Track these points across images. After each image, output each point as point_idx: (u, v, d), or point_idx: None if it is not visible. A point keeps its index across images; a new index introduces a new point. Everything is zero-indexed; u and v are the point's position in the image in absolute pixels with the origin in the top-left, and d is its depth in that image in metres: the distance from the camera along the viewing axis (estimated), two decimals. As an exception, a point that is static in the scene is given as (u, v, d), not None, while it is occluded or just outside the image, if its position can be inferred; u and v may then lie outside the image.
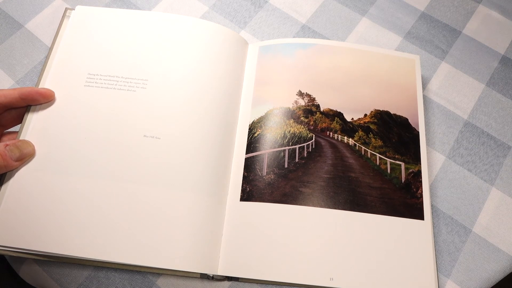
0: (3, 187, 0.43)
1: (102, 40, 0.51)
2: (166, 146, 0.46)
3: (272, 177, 0.47)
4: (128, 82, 0.49)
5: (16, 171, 0.43)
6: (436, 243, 0.48)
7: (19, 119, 0.47)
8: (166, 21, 0.53)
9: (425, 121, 0.53)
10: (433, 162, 0.52)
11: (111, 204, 0.43)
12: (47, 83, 0.48)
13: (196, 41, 0.52)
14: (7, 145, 0.42)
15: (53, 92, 0.47)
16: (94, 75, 0.49)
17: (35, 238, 0.41)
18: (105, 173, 0.44)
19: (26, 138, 0.45)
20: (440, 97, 0.57)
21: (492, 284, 0.47)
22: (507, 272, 0.48)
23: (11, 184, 0.43)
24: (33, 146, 0.44)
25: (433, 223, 0.49)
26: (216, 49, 0.52)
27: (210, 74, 0.50)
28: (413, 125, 0.52)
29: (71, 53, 0.50)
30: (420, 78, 0.54)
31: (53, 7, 0.60)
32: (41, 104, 0.46)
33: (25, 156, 0.43)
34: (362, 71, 0.54)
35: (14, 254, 0.41)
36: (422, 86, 0.56)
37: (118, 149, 0.45)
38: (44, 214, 0.42)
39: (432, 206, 0.50)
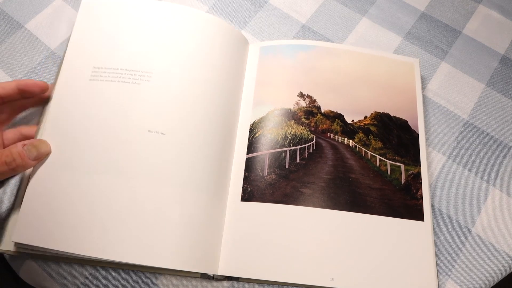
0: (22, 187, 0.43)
1: (107, 31, 0.50)
2: (171, 143, 0.45)
3: (273, 177, 0.47)
4: (132, 75, 0.47)
5: None
6: (436, 243, 0.48)
7: (14, 114, 0.47)
8: (173, 12, 0.51)
9: (424, 123, 0.53)
10: (433, 162, 0.53)
11: (113, 201, 0.42)
12: (59, 78, 0.48)
13: (201, 36, 0.51)
14: (25, 144, 0.42)
15: (47, 84, 0.47)
16: (99, 68, 0.48)
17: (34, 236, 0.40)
18: (109, 168, 0.43)
19: (42, 136, 0.45)
20: (440, 97, 0.57)
21: (492, 284, 0.47)
22: (507, 272, 0.48)
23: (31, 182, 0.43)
24: (49, 145, 0.44)
25: (433, 223, 0.49)
26: (220, 46, 0.51)
27: (214, 71, 0.50)
28: (412, 127, 0.52)
29: (79, 47, 0.49)
30: (420, 81, 0.54)
31: (53, 7, 0.60)
32: (35, 96, 0.46)
33: (42, 155, 0.43)
34: (362, 74, 0.54)
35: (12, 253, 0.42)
36: (422, 86, 0.57)
37: (122, 144, 0.44)
38: (45, 211, 0.41)
39: (432, 206, 0.50)
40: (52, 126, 0.45)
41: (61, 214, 0.41)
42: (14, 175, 0.47)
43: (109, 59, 0.48)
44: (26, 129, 0.47)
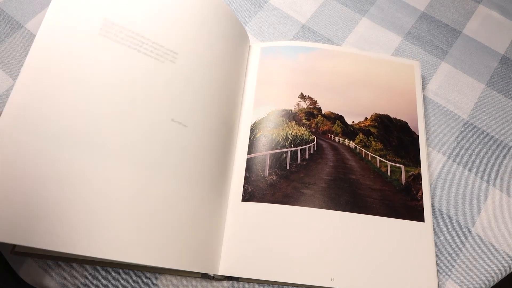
0: None
1: None
2: (190, 136, 0.41)
3: (274, 178, 0.47)
4: (155, 48, 0.40)
5: None
6: (436, 243, 0.48)
7: None
8: None
9: (425, 123, 0.53)
10: (433, 162, 0.53)
11: (116, 190, 0.37)
12: (44, 19, 0.36)
13: (216, 26, 0.47)
14: None
15: None
16: (112, 23, 0.38)
17: (24, 230, 0.33)
18: (114, 150, 0.37)
19: (14, 94, 0.35)
20: (440, 97, 0.57)
21: (492, 284, 0.47)
22: (507, 272, 0.48)
23: None
24: None
25: (433, 224, 0.49)
26: (229, 41, 0.50)
27: (224, 66, 0.48)
28: (412, 129, 0.52)
29: None
30: (420, 83, 0.54)
31: (52, 7, 0.60)
32: None
33: None
34: (363, 76, 0.54)
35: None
36: (422, 86, 0.57)
37: (136, 128, 0.38)
38: (34, 194, 0.34)
39: (432, 206, 0.50)
40: (39, 82, 0.35)
41: (43, 199, 0.34)
42: None
43: (127, 17, 0.39)
44: None
